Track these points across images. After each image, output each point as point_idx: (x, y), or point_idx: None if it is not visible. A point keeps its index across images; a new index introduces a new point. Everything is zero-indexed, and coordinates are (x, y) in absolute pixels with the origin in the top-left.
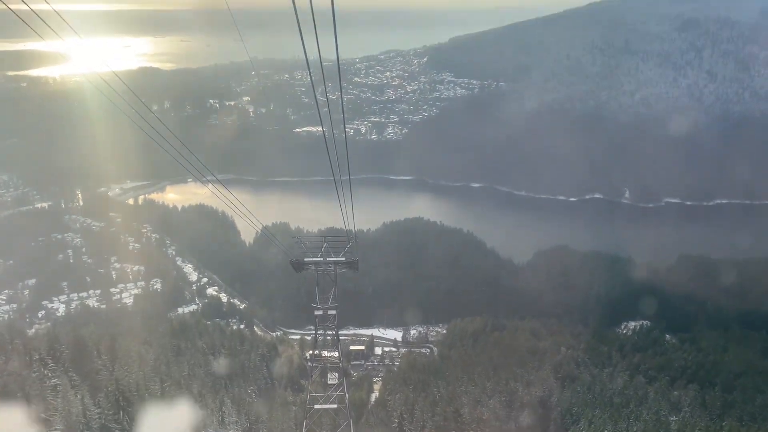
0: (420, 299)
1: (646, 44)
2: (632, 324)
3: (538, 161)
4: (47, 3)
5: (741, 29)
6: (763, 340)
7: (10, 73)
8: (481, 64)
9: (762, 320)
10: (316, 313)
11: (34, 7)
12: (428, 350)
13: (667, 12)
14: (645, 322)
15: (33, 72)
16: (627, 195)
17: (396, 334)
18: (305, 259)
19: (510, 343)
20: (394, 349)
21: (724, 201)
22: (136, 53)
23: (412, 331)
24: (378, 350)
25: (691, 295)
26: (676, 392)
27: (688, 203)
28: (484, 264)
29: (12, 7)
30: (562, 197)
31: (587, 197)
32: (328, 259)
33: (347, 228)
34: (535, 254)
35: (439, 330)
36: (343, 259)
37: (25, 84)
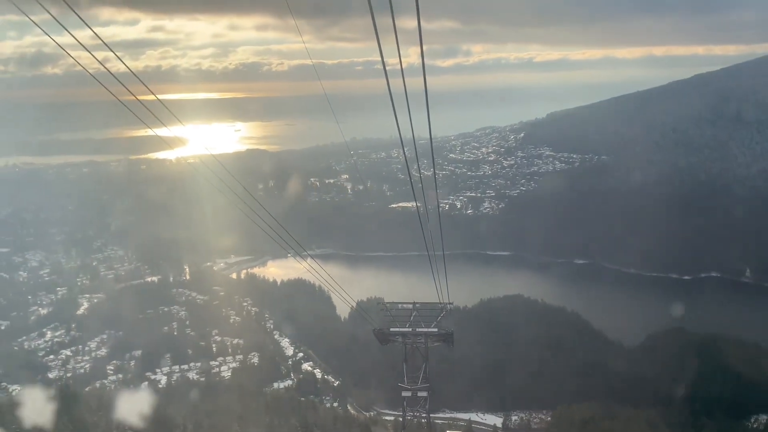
0: (521, 383)
1: (760, 114)
2: (763, 417)
3: (647, 237)
4: (155, 96)
5: None
6: None
7: (132, 157)
8: (581, 138)
9: None
10: (404, 394)
11: (146, 98)
12: None
13: None
14: None
15: (153, 155)
16: (748, 273)
17: (496, 420)
18: (391, 329)
19: None
20: None
21: None
22: (246, 136)
23: (514, 418)
24: None
25: None
26: None
27: None
28: (590, 346)
29: (131, 98)
30: (674, 275)
31: (703, 275)
32: (417, 329)
33: (441, 299)
34: (647, 337)
35: (543, 417)
36: (436, 330)
37: (144, 167)
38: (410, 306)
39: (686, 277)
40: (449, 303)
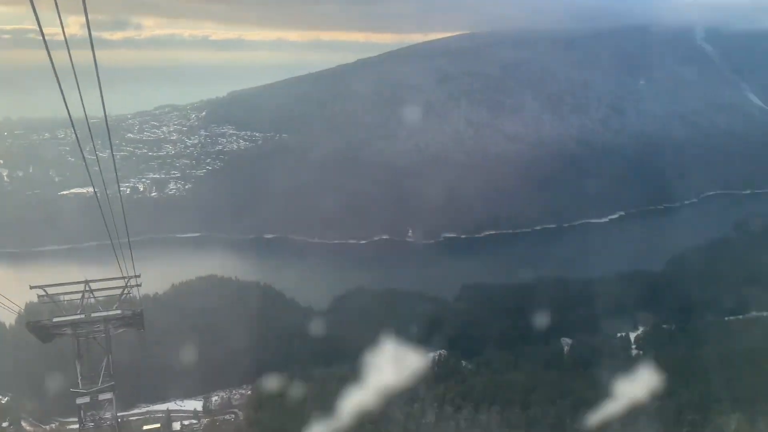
0: (220, 362)
1: (412, 96)
2: (430, 355)
3: (327, 208)
4: None
5: (488, 81)
6: (544, 353)
7: None
8: (263, 117)
9: (539, 335)
10: (80, 400)
11: None
12: (233, 416)
13: (429, 66)
14: (442, 352)
15: None
16: (410, 234)
17: (196, 404)
18: (54, 320)
19: (320, 394)
20: (194, 422)
21: (492, 232)
22: None
23: (214, 398)
24: (176, 425)
25: (478, 320)
26: (482, 416)
27: (463, 236)
28: (285, 316)
29: None
30: (353, 241)
31: (376, 239)
32: (93, 314)
33: (125, 274)
34: (334, 299)
35: (244, 392)
36: (119, 312)
37: None
38: (81, 288)
39: (362, 242)
40: (135, 276)
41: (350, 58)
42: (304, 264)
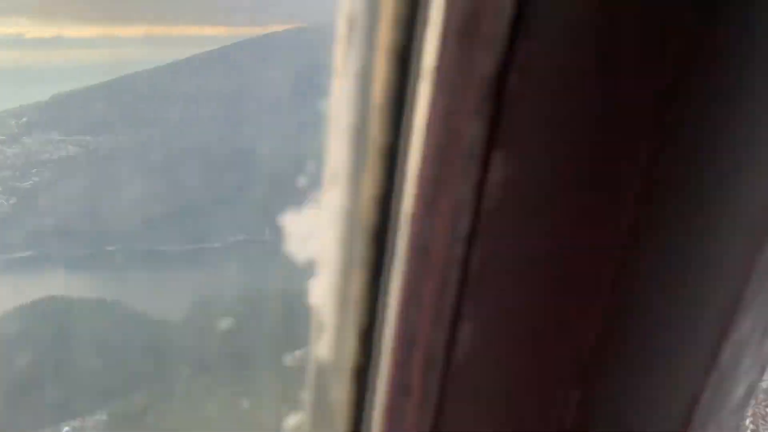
0: (69, 388)
1: (255, 91)
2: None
3: (173, 213)
4: None
5: (332, 74)
6: None
7: None
8: (93, 120)
9: None
10: None
11: None
12: None
13: (270, 60)
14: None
15: None
16: (267, 232)
17: None
18: None
19: (183, 409)
20: None
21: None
22: None
23: (65, 429)
24: None
25: None
26: None
27: None
28: (137, 331)
29: None
30: (206, 245)
31: (231, 240)
32: None
33: None
34: (191, 308)
35: (99, 418)
36: None
37: None
38: None
39: (216, 245)
40: None
41: (182, 53)
42: (155, 275)
